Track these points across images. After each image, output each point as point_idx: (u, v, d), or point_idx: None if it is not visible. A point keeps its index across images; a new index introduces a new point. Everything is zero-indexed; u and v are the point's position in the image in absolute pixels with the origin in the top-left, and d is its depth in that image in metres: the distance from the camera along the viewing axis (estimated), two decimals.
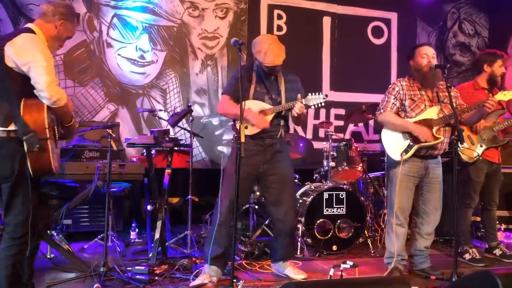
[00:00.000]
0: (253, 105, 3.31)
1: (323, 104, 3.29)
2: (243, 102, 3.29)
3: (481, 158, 3.93)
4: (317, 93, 3.28)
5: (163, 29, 5.44)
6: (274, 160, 3.40)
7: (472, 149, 3.90)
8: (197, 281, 3.17)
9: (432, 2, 6.51)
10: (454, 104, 3.32)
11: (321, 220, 4.23)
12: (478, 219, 4.57)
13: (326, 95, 3.31)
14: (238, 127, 3.37)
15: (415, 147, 3.38)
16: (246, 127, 3.14)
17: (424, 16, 6.51)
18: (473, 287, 2.59)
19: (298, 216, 4.24)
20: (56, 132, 2.68)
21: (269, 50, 3.23)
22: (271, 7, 5.85)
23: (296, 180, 4.78)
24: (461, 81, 6.28)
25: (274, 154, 3.40)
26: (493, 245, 4.16)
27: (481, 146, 3.92)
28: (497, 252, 4.10)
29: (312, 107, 3.30)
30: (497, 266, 3.88)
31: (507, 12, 6.40)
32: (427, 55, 3.42)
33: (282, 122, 3.43)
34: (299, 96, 3.29)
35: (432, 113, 3.41)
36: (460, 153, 3.86)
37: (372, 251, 4.25)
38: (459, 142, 3.14)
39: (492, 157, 4.00)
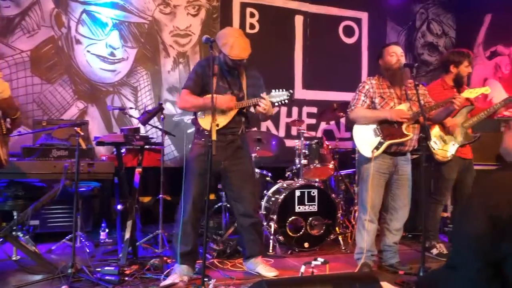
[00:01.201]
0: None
1: (287, 101, 3.28)
2: (207, 96, 3.28)
3: (454, 155, 4.01)
4: (281, 90, 3.26)
5: (133, 25, 5.36)
6: (235, 157, 3.39)
7: (445, 150, 3.98)
8: (167, 281, 3.14)
9: (402, 3, 6.64)
10: (422, 102, 3.40)
11: (293, 217, 4.25)
12: (446, 214, 4.68)
13: (291, 92, 3.28)
14: (199, 122, 3.35)
15: (386, 143, 3.44)
16: (217, 125, 3.14)
17: (393, 16, 6.63)
18: (440, 281, 2.65)
19: (271, 214, 4.27)
20: (3, 126, 2.59)
21: (236, 43, 3.21)
22: (244, 5, 5.84)
23: (268, 178, 4.80)
24: (429, 80, 6.42)
25: (235, 150, 3.40)
26: None
27: (453, 145, 4.00)
28: None
29: (276, 104, 3.28)
30: None
31: (473, 13, 6.58)
32: (396, 54, 3.48)
33: (243, 119, 3.42)
34: (264, 94, 3.26)
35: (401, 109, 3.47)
36: (434, 153, 3.94)
37: (343, 248, 4.30)
38: (426, 140, 3.21)
39: (466, 154, 4.08)
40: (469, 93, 3.42)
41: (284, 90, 3.26)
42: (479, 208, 1.63)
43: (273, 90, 3.26)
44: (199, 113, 3.37)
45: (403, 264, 3.60)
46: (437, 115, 3.57)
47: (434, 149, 3.95)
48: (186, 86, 3.40)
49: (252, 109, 3.47)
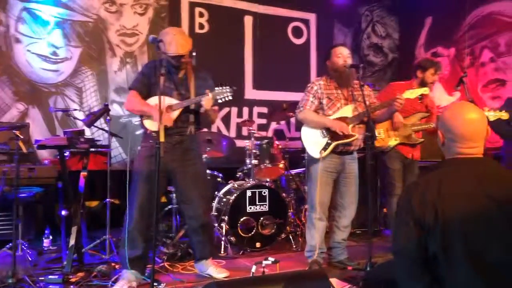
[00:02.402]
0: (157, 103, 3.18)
1: (230, 97, 3.22)
2: (152, 98, 3.24)
3: (394, 149, 4.16)
4: (223, 87, 3.21)
5: (77, 24, 5.17)
6: (184, 158, 3.34)
7: (386, 141, 4.13)
8: (115, 287, 3.05)
9: (348, 4, 6.80)
10: (367, 102, 3.49)
11: (244, 218, 4.26)
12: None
13: (233, 88, 3.23)
14: (144, 124, 3.30)
15: (333, 144, 3.52)
16: (166, 127, 3.08)
17: (340, 17, 6.79)
18: (385, 275, 2.73)
19: (222, 215, 4.25)
20: None
21: (173, 41, 3.18)
22: (192, 5, 5.78)
23: (219, 179, 4.77)
24: (375, 80, 6.65)
25: (184, 151, 3.35)
26: None
27: (395, 140, 4.15)
28: None
29: (220, 101, 3.22)
30: None
31: (414, 16, 6.85)
32: (342, 55, 3.56)
33: (191, 119, 3.36)
34: (207, 91, 3.21)
35: (347, 111, 3.56)
36: (375, 141, 4.07)
37: (294, 246, 4.35)
38: (372, 138, 3.31)
39: (405, 153, 4.23)
40: (410, 93, 3.55)
41: (226, 86, 3.21)
42: (406, 213, 1.69)
43: (216, 88, 3.21)
44: (144, 115, 3.30)
45: (351, 260, 3.69)
46: (381, 115, 3.68)
47: (376, 137, 4.09)
48: (133, 87, 3.34)
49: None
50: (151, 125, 3.26)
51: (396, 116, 4.02)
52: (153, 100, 3.24)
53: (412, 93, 3.55)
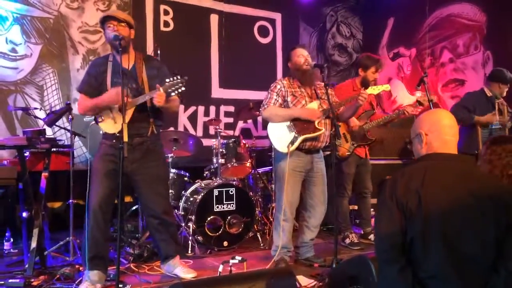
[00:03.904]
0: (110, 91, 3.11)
1: (183, 88, 3.05)
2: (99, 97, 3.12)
3: (352, 153, 4.28)
4: (175, 78, 3.02)
5: (37, 20, 5.01)
6: (145, 160, 3.23)
7: (346, 148, 4.23)
8: None
9: (313, 4, 6.88)
10: (332, 100, 3.54)
11: (211, 217, 4.24)
12: (354, 207, 4.94)
13: (185, 78, 3.02)
14: (100, 126, 3.21)
15: (301, 138, 3.53)
16: (126, 127, 2.98)
17: (305, 17, 6.86)
18: (350, 271, 2.79)
19: (189, 215, 4.22)
20: None
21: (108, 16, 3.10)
22: (157, 2, 5.72)
23: (186, 178, 4.74)
24: (340, 79, 6.75)
25: (145, 153, 3.23)
26: (367, 230, 4.55)
27: (353, 144, 4.26)
28: (371, 237, 4.47)
29: (173, 94, 3.05)
30: (371, 250, 4.23)
31: (377, 17, 7.01)
32: (303, 55, 3.62)
33: (151, 117, 3.22)
34: (158, 85, 3.03)
35: (313, 107, 3.60)
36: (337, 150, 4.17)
37: (262, 244, 4.37)
38: (336, 137, 3.37)
39: (360, 153, 4.37)
40: (372, 89, 3.65)
41: (178, 77, 3.03)
42: (391, 199, 1.79)
43: (168, 80, 3.03)
44: (98, 118, 3.20)
45: (318, 257, 3.74)
46: (344, 111, 3.74)
47: (338, 142, 4.19)
48: (80, 90, 3.24)
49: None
50: (107, 127, 3.17)
51: (352, 120, 4.13)
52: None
53: (375, 89, 3.65)
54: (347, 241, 4.34)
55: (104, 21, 3.12)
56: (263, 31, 6.48)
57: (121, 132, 2.75)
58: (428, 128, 1.95)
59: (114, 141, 3.16)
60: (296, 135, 3.53)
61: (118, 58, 3.06)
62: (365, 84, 4.22)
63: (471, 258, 1.69)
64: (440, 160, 1.89)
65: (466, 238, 1.70)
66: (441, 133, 1.92)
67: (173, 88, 3.02)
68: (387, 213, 1.80)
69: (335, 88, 4.34)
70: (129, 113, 3.05)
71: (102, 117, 3.19)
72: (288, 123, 3.57)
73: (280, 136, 3.60)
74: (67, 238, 3.94)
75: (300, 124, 3.55)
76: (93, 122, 3.32)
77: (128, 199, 5.08)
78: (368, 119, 4.28)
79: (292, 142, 3.53)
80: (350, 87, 4.32)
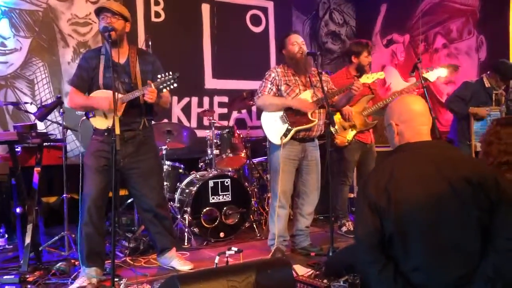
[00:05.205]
0: (101, 95, 3.07)
1: (175, 85, 3.04)
2: (95, 92, 3.11)
3: (353, 140, 4.24)
4: (167, 74, 3.02)
5: (26, 13, 4.93)
6: (137, 153, 3.21)
7: (344, 136, 4.19)
8: (75, 285, 2.98)
9: None
10: (326, 89, 3.52)
11: (207, 208, 4.23)
12: (352, 195, 4.94)
13: (177, 74, 3.02)
14: (91, 122, 3.17)
15: (293, 130, 3.53)
16: (118, 120, 2.93)
17: (298, 5, 6.79)
18: (347, 259, 2.79)
19: (185, 206, 4.21)
20: None
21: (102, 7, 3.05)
22: None
23: (181, 170, 4.72)
24: (334, 67, 6.72)
25: (138, 146, 3.21)
26: None
27: (352, 131, 4.22)
28: None
29: (164, 90, 3.06)
30: None
31: (370, 3, 6.95)
32: (297, 43, 3.58)
33: (143, 111, 3.20)
34: (149, 81, 3.03)
35: (306, 96, 3.58)
36: (335, 138, 4.14)
37: (258, 235, 4.37)
38: (331, 125, 3.35)
39: (365, 139, 4.33)
40: (366, 78, 3.62)
41: (170, 73, 3.03)
42: (363, 200, 1.75)
43: (160, 76, 3.03)
44: (89, 113, 3.16)
45: (314, 246, 3.75)
46: (339, 100, 3.73)
47: (332, 131, 4.16)
48: (72, 83, 3.19)
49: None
50: (98, 123, 3.14)
51: (346, 109, 4.08)
52: (96, 94, 3.11)
53: (369, 78, 3.62)
54: (344, 229, 4.35)
55: (99, 12, 3.07)
56: (256, 20, 6.42)
57: (112, 125, 2.73)
58: (398, 118, 1.89)
59: (106, 134, 3.12)
60: (289, 127, 3.54)
61: (110, 51, 3.05)
62: (361, 70, 4.21)
63: (454, 246, 1.66)
64: (411, 150, 1.83)
65: (446, 227, 1.66)
66: (412, 121, 1.86)
67: (165, 85, 3.02)
68: (361, 215, 1.77)
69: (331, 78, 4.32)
70: (122, 107, 3.03)
71: (94, 114, 3.15)
72: (281, 113, 3.55)
73: (273, 128, 3.59)
74: (62, 233, 3.92)
75: (293, 115, 3.54)
76: (84, 117, 3.28)
77: (123, 192, 5.03)
78: (367, 104, 4.25)
79: (285, 135, 3.54)
80: (344, 76, 4.29)
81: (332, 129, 4.05)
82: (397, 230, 1.69)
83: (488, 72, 4.56)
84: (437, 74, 3.80)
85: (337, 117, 4.14)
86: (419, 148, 1.83)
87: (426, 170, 1.73)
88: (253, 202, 4.58)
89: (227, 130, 4.73)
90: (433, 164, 1.74)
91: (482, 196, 1.66)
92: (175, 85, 3.04)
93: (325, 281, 2.56)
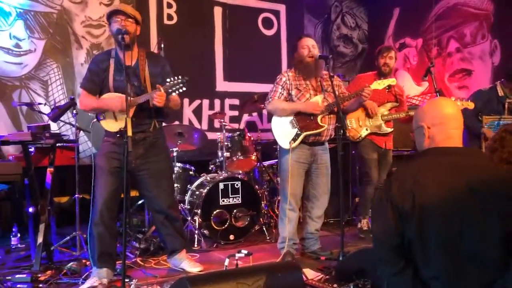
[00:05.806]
0: (112, 97, 3.09)
1: (184, 88, 3.06)
2: (105, 95, 3.12)
3: (367, 138, 4.23)
4: (176, 78, 3.03)
5: (40, 15, 5.00)
6: (148, 155, 3.22)
7: (358, 131, 4.19)
8: (85, 285, 3.00)
9: None
10: (337, 93, 3.51)
11: (217, 210, 4.24)
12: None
13: (186, 79, 3.03)
14: (102, 125, 3.19)
15: (302, 135, 3.54)
16: (130, 121, 2.95)
17: (310, 8, 6.80)
18: (357, 264, 2.78)
19: (195, 208, 4.22)
20: None
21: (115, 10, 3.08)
22: None
23: (192, 172, 4.73)
24: (345, 71, 6.70)
25: (148, 148, 3.23)
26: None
27: (366, 130, 4.21)
28: None
29: (173, 93, 3.06)
30: None
31: (383, 7, 6.92)
32: (308, 46, 3.57)
33: (153, 112, 3.20)
34: (158, 85, 3.03)
35: (316, 100, 3.57)
36: (347, 131, 4.13)
37: (268, 238, 4.37)
38: (342, 129, 3.35)
39: (378, 142, 4.29)
40: (377, 84, 3.61)
41: (179, 77, 3.04)
42: (386, 200, 1.73)
43: (168, 80, 3.04)
44: (100, 116, 3.19)
45: (324, 250, 3.72)
46: (350, 105, 3.73)
47: (348, 127, 4.14)
48: (82, 86, 3.22)
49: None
50: (109, 126, 3.16)
51: (370, 103, 4.07)
52: (107, 97, 3.13)
53: (380, 84, 3.60)
54: (359, 225, 4.40)
55: (112, 15, 3.09)
56: (268, 23, 6.43)
57: (124, 127, 2.75)
58: (430, 121, 1.83)
59: (117, 136, 3.14)
60: (298, 132, 3.55)
61: (120, 54, 3.06)
62: (381, 72, 4.22)
63: (475, 256, 1.61)
64: (437, 155, 1.78)
65: (468, 236, 1.61)
66: (444, 125, 1.80)
67: (174, 88, 3.03)
68: (382, 214, 1.74)
69: (356, 77, 4.37)
70: (132, 110, 3.03)
71: (105, 117, 3.17)
72: (291, 118, 3.56)
73: (283, 132, 3.60)
74: (74, 233, 3.96)
75: (302, 120, 3.54)
76: (95, 119, 3.31)
77: (134, 193, 5.07)
78: (389, 110, 4.25)
79: (294, 139, 3.55)
80: (372, 78, 4.22)
81: (347, 121, 4.06)
82: (418, 236, 1.65)
83: (502, 80, 4.46)
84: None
85: (356, 114, 4.14)
86: (449, 154, 1.78)
87: (450, 177, 1.68)
88: (263, 205, 4.58)
89: (238, 132, 4.73)
90: (457, 172, 1.70)
91: (506, 206, 1.61)
92: (184, 89, 3.06)
93: (335, 285, 2.56)
